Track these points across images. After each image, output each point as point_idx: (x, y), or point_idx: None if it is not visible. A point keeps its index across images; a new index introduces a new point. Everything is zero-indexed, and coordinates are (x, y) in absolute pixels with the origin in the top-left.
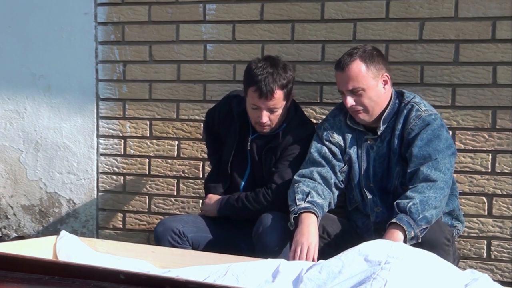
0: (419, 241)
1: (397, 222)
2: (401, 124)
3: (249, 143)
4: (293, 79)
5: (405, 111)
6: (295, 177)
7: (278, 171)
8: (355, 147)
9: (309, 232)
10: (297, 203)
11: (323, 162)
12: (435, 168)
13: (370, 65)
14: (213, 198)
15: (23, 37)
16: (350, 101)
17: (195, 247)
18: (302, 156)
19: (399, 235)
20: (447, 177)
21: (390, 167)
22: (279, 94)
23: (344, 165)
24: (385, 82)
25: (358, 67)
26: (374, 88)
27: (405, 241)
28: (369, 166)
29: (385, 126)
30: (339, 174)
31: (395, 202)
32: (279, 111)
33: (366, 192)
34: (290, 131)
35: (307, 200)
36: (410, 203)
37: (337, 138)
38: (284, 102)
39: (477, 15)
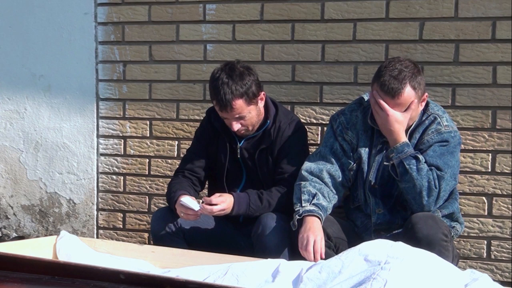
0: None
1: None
2: (419, 134)
3: (238, 151)
4: (255, 82)
5: (426, 122)
6: (303, 172)
7: (289, 172)
8: (368, 147)
9: (314, 228)
10: (303, 204)
11: (333, 159)
12: (438, 180)
13: (418, 90)
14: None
15: (23, 37)
16: None
17: (188, 240)
18: (303, 149)
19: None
20: (438, 196)
21: None
22: (239, 103)
23: (354, 163)
24: (423, 100)
25: (409, 95)
26: (416, 108)
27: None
28: (379, 167)
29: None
30: (347, 172)
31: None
32: (248, 116)
33: (369, 193)
34: (280, 127)
35: (312, 202)
36: (419, 156)
37: (351, 135)
38: (252, 106)
39: (477, 15)
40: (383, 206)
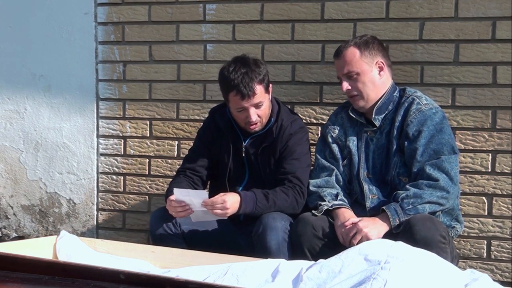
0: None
1: (385, 208)
2: (401, 116)
3: (243, 150)
4: (267, 72)
5: (406, 104)
6: (312, 188)
7: (292, 172)
8: (355, 139)
9: (349, 213)
10: (329, 202)
11: (331, 166)
12: (438, 168)
13: (364, 51)
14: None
15: (23, 37)
16: (345, 85)
17: (187, 239)
18: (305, 148)
19: (377, 222)
20: (450, 177)
21: (389, 158)
22: (259, 89)
23: (345, 160)
24: (381, 69)
25: (352, 52)
26: (368, 73)
27: (390, 228)
28: (368, 157)
29: (381, 116)
30: (343, 174)
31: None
32: (264, 105)
33: (363, 182)
34: (282, 125)
35: (338, 198)
36: (404, 194)
37: (338, 133)
38: (267, 95)
39: (477, 15)
40: (377, 193)
